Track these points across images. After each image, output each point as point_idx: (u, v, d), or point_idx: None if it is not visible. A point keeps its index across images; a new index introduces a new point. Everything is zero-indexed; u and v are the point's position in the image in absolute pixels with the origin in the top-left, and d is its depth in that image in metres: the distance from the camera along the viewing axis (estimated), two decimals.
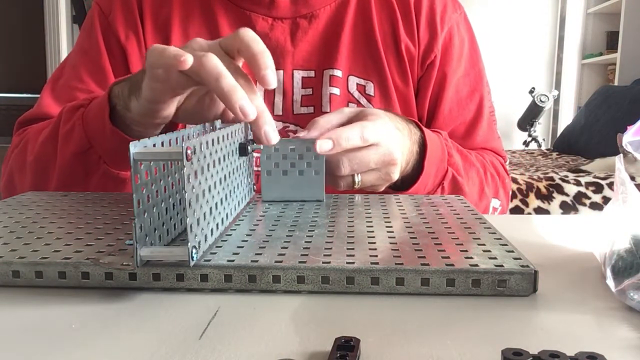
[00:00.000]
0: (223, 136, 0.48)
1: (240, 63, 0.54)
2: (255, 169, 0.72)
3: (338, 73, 0.80)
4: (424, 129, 0.70)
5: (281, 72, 0.80)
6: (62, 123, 0.69)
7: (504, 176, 0.85)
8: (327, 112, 0.79)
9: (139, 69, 0.79)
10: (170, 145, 0.44)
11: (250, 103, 0.49)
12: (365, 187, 0.63)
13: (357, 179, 0.61)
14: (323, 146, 0.57)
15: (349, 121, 0.62)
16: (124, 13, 0.82)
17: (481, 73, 0.88)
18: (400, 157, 0.62)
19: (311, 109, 0.80)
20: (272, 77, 0.51)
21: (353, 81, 0.81)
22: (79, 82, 0.80)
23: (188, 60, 0.48)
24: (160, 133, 0.64)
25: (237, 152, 0.53)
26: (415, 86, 0.84)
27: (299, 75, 0.81)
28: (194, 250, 0.38)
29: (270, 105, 0.80)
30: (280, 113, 0.80)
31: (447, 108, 0.83)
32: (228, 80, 0.48)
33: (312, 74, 0.81)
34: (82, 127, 0.66)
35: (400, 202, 0.59)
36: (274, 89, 0.80)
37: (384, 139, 0.60)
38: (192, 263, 0.38)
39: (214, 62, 0.49)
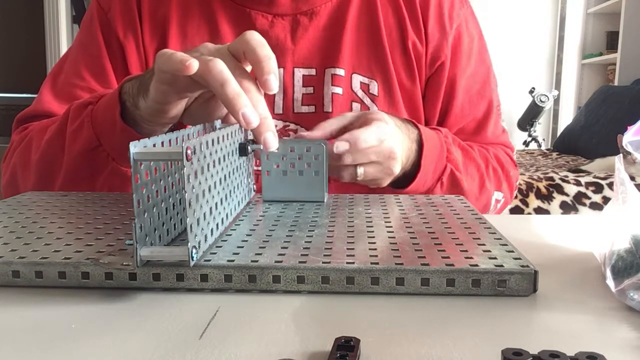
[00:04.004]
0: (223, 136, 0.48)
1: (249, 68, 0.54)
2: (256, 168, 0.72)
3: (340, 72, 0.79)
4: (420, 127, 0.70)
5: (281, 70, 0.79)
6: (69, 121, 0.69)
7: (509, 169, 0.85)
8: (329, 112, 0.79)
9: (137, 68, 0.79)
10: (170, 145, 0.44)
11: (254, 110, 0.49)
12: (368, 179, 0.65)
13: (360, 170, 0.64)
14: (340, 147, 0.61)
15: (351, 125, 0.65)
16: (122, 11, 0.81)
17: (489, 68, 0.87)
18: (399, 151, 0.65)
19: (312, 108, 0.80)
20: (274, 82, 0.51)
21: (357, 79, 0.80)
22: (79, 80, 0.80)
23: (193, 65, 0.48)
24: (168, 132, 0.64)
25: (237, 152, 0.53)
26: (423, 85, 0.83)
27: (299, 73, 0.80)
28: (194, 250, 0.38)
29: (270, 104, 0.79)
30: (281, 112, 0.79)
31: (459, 107, 0.83)
32: (233, 86, 0.49)
33: (312, 72, 0.80)
34: (91, 125, 0.66)
35: (400, 202, 0.59)
36: None
37: (387, 137, 0.64)
38: (192, 263, 0.38)
39: (220, 68, 0.49)
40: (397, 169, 0.66)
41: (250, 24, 0.79)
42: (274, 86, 0.52)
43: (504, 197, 0.83)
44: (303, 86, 0.80)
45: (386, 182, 0.67)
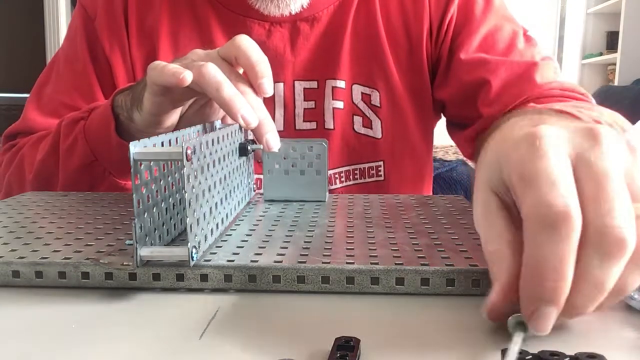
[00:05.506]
0: (223, 136, 0.48)
1: (241, 70, 0.54)
2: (256, 176, 0.70)
3: (341, 84, 0.75)
4: None
5: (281, 84, 0.74)
6: (62, 138, 0.67)
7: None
8: (330, 129, 0.74)
9: (124, 81, 0.75)
10: (170, 145, 0.44)
11: (252, 111, 0.49)
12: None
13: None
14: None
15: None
16: (108, 20, 0.76)
17: (519, 26, 0.78)
18: None
19: (314, 125, 0.75)
20: (268, 85, 0.51)
21: (357, 90, 0.76)
22: (64, 97, 0.76)
23: (187, 77, 0.48)
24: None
25: (237, 152, 0.53)
26: (430, 64, 0.76)
27: (300, 86, 0.75)
28: (194, 250, 0.38)
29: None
30: (282, 128, 0.75)
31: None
32: (228, 89, 0.48)
33: (314, 84, 0.75)
34: (85, 141, 0.65)
35: (400, 202, 0.59)
36: (274, 102, 0.75)
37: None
38: (192, 263, 0.38)
39: (213, 72, 0.48)
40: None
41: (246, 34, 0.74)
42: (269, 89, 0.51)
43: None
44: (304, 100, 0.75)
45: None
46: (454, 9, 0.75)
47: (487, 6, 0.77)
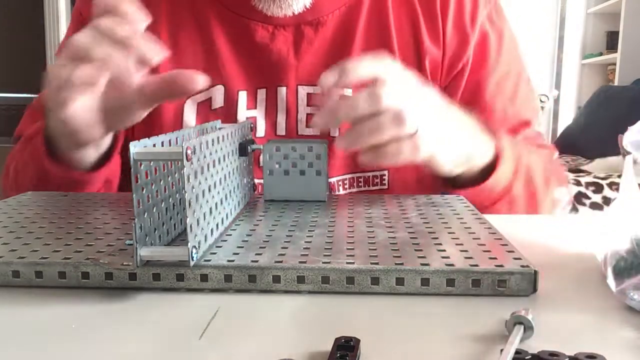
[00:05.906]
0: (223, 136, 0.48)
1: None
2: (258, 180, 0.70)
3: (348, 92, 0.72)
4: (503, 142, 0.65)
5: (284, 88, 0.73)
6: (19, 154, 0.71)
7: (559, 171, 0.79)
8: (334, 137, 0.73)
9: None
10: (170, 145, 0.44)
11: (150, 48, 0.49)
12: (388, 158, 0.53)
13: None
14: (324, 80, 0.53)
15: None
16: None
17: (523, 67, 0.81)
18: (421, 115, 0.53)
19: (317, 130, 0.74)
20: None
21: None
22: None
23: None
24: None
25: (237, 152, 0.53)
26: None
27: (303, 91, 0.73)
28: (194, 250, 0.38)
29: (272, 124, 0.74)
30: (284, 133, 0.74)
31: (500, 110, 0.77)
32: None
33: (318, 89, 0.71)
34: (32, 157, 0.67)
35: (400, 202, 0.59)
36: (276, 107, 0.74)
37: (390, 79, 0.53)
38: (192, 263, 0.38)
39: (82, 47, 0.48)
40: (423, 149, 0.53)
41: (249, 37, 0.72)
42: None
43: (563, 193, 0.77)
44: (308, 105, 0.74)
45: (409, 158, 0.54)
46: (469, 54, 0.75)
47: (499, 50, 0.77)
